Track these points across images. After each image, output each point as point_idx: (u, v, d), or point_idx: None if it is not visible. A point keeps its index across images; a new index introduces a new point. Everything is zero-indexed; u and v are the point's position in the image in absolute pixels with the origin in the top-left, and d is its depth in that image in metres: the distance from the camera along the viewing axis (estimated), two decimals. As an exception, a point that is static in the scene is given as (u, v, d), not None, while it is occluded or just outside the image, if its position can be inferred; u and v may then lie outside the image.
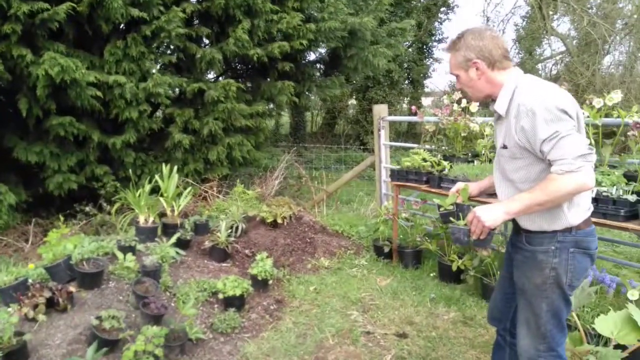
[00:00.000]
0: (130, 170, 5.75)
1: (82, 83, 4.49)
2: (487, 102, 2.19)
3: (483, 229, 1.91)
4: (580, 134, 1.84)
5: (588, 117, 3.35)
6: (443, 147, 4.52)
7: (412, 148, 5.14)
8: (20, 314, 2.65)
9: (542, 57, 17.17)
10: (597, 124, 3.30)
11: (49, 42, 4.60)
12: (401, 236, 4.83)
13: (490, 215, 1.89)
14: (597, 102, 3.16)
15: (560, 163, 1.75)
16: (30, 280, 2.93)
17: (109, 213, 5.38)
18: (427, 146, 4.63)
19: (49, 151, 5.14)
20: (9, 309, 2.68)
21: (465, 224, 2.04)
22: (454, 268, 3.99)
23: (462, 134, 4.30)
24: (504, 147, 1.96)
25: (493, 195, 2.37)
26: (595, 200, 2.91)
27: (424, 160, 4.30)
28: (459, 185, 2.36)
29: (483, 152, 4.07)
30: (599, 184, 3.12)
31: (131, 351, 2.49)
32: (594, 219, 2.10)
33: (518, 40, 17.25)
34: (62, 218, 4.36)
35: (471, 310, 3.69)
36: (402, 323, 3.49)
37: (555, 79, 15.96)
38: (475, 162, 4.08)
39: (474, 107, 4.32)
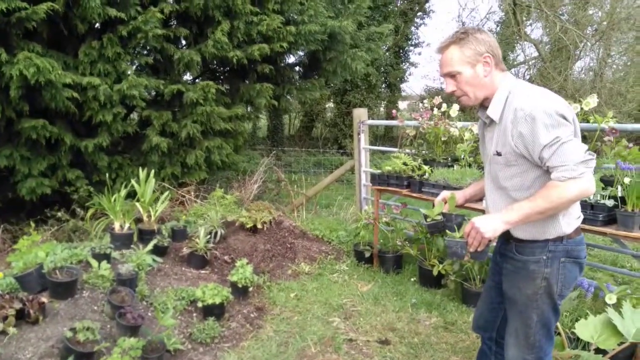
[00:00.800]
0: (105, 174, 5.59)
1: (57, 85, 4.33)
2: (467, 108, 2.18)
3: (482, 241, 1.85)
4: (579, 140, 1.81)
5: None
6: (423, 152, 4.53)
7: (391, 152, 5.15)
8: (-13, 328, 2.52)
9: (515, 62, 17.53)
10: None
11: (24, 42, 4.42)
12: (381, 241, 4.83)
13: (490, 226, 1.82)
14: (574, 107, 3.21)
15: (561, 170, 1.71)
16: (-1, 291, 2.79)
17: (82, 219, 5.21)
18: (407, 150, 4.64)
19: (19, 155, 4.94)
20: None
21: (462, 236, 1.96)
22: (435, 273, 4.00)
23: (442, 139, 4.32)
24: (498, 154, 1.90)
25: (478, 203, 2.37)
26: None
27: (405, 164, 4.31)
28: (445, 194, 2.30)
29: (463, 156, 4.10)
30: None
31: (107, 365, 2.40)
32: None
33: (492, 46, 17.54)
34: (32, 224, 4.19)
35: (452, 315, 3.71)
36: (384, 329, 3.47)
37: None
38: (455, 166, 4.10)
39: (454, 111, 4.35)
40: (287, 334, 3.40)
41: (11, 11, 4.12)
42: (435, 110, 4.33)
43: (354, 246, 4.90)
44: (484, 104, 1.98)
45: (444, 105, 4.33)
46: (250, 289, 3.81)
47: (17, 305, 2.66)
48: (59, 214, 5.15)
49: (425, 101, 4.53)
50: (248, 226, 4.66)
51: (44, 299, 2.80)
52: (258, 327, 3.49)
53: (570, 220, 1.89)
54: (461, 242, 1.95)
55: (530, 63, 16.22)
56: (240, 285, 3.72)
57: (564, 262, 1.89)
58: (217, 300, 3.36)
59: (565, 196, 1.72)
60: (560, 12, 14.09)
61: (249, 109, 6.70)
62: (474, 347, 3.25)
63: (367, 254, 4.60)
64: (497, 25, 17.55)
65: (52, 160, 5.23)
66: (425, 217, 2.31)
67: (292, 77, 7.31)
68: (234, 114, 6.06)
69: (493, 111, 1.91)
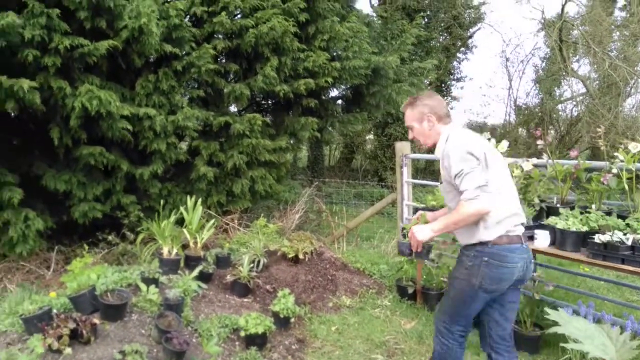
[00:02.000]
0: (155, 201, 5.79)
1: (115, 116, 4.59)
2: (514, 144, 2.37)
3: (418, 243, 2.56)
4: (485, 170, 2.38)
5: (622, 161, 3.29)
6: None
7: (433, 186, 5.09)
8: (44, 345, 2.61)
9: (562, 99, 17.17)
10: (630, 168, 3.25)
11: (85, 75, 4.73)
12: (425, 277, 4.73)
13: (422, 232, 2.55)
14: (634, 147, 3.11)
15: (465, 193, 2.33)
16: (54, 310, 2.90)
17: (131, 242, 5.39)
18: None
19: (77, 180, 5.20)
20: (40, 338, 2.64)
21: (407, 240, 2.68)
22: (482, 312, 3.85)
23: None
24: (441, 182, 2.64)
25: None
26: (632, 248, 2.89)
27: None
28: (419, 213, 2.87)
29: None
30: (634, 230, 3.04)
31: (154, 389, 2.42)
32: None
33: (537, 81, 17.32)
34: (86, 247, 4.37)
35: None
36: (428, 369, 3.35)
37: (576, 120, 15.91)
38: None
39: (502, 147, 4.28)
40: (328, 369, 3.35)
41: (74, 47, 4.43)
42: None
43: (396, 281, 4.82)
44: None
45: (493, 141, 4.28)
46: (292, 320, 3.79)
47: (71, 325, 2.76)
48: (110, 237, 5.36)
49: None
50: (290, 256, 4.68)
51: (96, 320, 2.88)
52: (299, 360, 3.46)
53: (494, 231, 2.43)
54: (407, 244, 2.70)
55: (578, 99, 15.84)
56: (282, 316, 3.71)
57: (487, 262, 2.43)
58: (260, 330, 3.36)
59: (466, 212, 2.34)
60: (609, 49, 13.79)
61: (291, 140, 6.83)
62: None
63: (410, 290, 4.51)
64: (543, 61, 17.35)
65: (107, 186, 5.48)
66: (403, 229, 2.85)
67: (334, 110, 7.43)
68: (278, 146, 6.19)
69: (437, 152, 2.61)
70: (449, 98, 18.13)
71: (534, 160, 4.03)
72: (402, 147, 5.91)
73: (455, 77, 17.99)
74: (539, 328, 3.73)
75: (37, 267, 5.24)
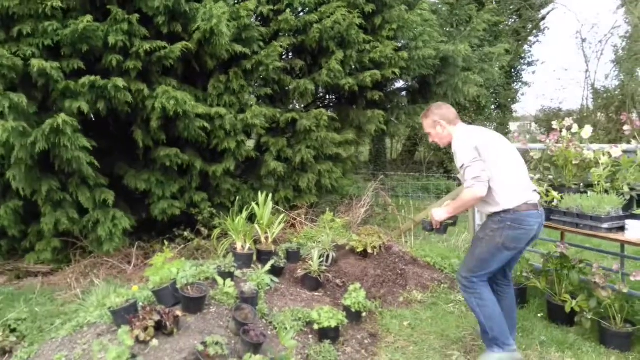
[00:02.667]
0: (226, 197, 5.98)
1: (191, 115, 4.78)
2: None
3: (436, 222, 3.20)
4: (481, 162, 2.92)
5: None
6: (550, 177, 4.19)
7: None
8: (132, 336, 2.76)
9: (646, 78, 15.75)
10: None
11: (162, 78, 4.97)
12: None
13: (438, 213, 3.19)
14: None
15: (465, 183, 2.95)
16: (140, 303, 3.06)
17: (205, 238, 5.61)
18: (531, 175, 4.32)
19: (155, 179, 5.48)
20: (128, 330, 2.80)
21: (429, 219, 3.29)
22: (568, 309, 3.62)
23: (574, 162, 3.96)
24: (457, 172, 3.19)
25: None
26: None
27: (530, 190, 4.00)
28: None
29: (598, 182, 3.72)
30: None
31: (236, 379, 2.49)
32: None
33: (618, 62, 16.01)
34: (166, 242, 4.59)
35: (589, 357, 3.31)
36: (510, 368, 3.19)
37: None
38: (589, 192, 3.73)
39: (586, 133, 3.99)
40: (403, 365, 3.28)
41: (153, 51, 4.65)
42: (565, 132, 4.01)
43: (470, 276, 4.63)
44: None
45: (575, 127, 3.99)
46: (363, 314, 3.76)
47: (156, 317, 2.89)
48: (185, 233, 5.60)
49: (554, 123, 4.21)
50: (358, 250, 4.64)
51: (179, 313, 3.01)
52: (373, 355, 3.42)
53: (512, 201, 2.94)
54: (429, 222, 3.30)
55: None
56: (353, 310, 3.69)
57: (510, 225, 2.94)
58: (333, 324, 3.36)
59: (465, 198, 2.97)
60: None
61: (358, 134, 6.79)
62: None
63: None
64: (623, 41, 16.00)
65: (182, 184, 5.73)
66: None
67: (400, 101, 7.29)
68: (345, 139, 6.17)
69: (453, 148, 3.12)
70: (520, 84, 17.24)
71: (624, 146, 3.71)
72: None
73: (526, 62, 17.05)
74: (631, 324, 3.44)
75: (120, 263, 5.59)
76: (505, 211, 2.94)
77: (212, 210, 5.76)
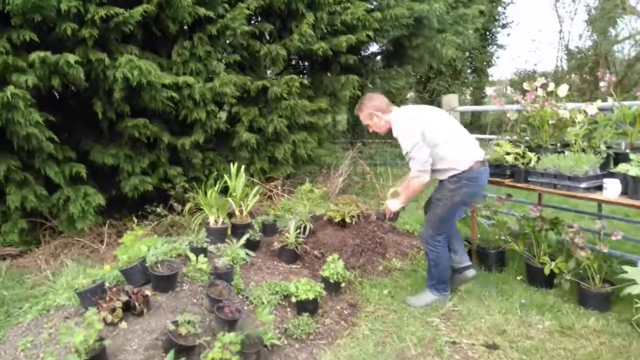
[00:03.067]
0: (199, 171, 5.78)
1: (157, 85, 4.51)
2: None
3: (390, 212, 3.57)
4: (424, 146, 3.21)
5: None
6: (527, 138, 4.12)
7: (482, 139, 4.77)
8: (99, 319, 2.63)
9: (619, 39, 15.79)
10: None
11: (122, 46, 4.66)
12: (479, 236, 4.50)
13: (393, 205, 3.54)
14: None
15: (411, 172, 3.26)
16: (107, 284, 2.91)
17: (179, 213, 5.43)
18: (508, 137, 4.25)
19: (124, 154, 5.23)
20: (94, 312, 2.66)
21: (382, 210, 3.67)
22: (547, 271, 3.61)
23: (550, 122, 3.89)
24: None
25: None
26: None
27: (507, 152, 3.94)
28: (391, 190, 3.96)
29: (575, 141, 3.65)
30: None
31: (208, 358, 2.39)
32: None
33: (590, 22, 15.97)
34: (135, 220, 4.40)
35: (568, 319, 3.32)
36: (490, 332, 3.19)
37: (635, 61, 14.68)
38: (567, 152, 3.67)
39: (562, 91, 3.91)
40: (383, 333, 3.23)
41: (109, 17, 4.34)
42: (540, 91, 3.91)
43: (449, 241, 4.60)
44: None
45: (551, 85, 3.90)
46: (342, 284, 3.69)
47: (124, 297, 2.76)
48: (158, 209, 5.41)
49: (525, 84, 4.11)
50: (336, 220, 4.55)
51: (148, 292, 2.88)
52: (352, 325, 3.36)
53: (460, 165, 3.25)
54: (382, 212, 3.69)
55: (637, 38, 14.53)
56: (332, 281, 3.62)
57: (466, 183, 3.26)
58: (311, 296, 3.28)
59: (415, 187, 3.30)
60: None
61: (331, 101, 6.60)
62: (598, 355, 2.87)
63: (465, 250, 4.29)
64: (596, 0, 15.92)
65: (151, 158, 5.49)
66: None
67: (374, 66, 7.10)
68: (318, 107, 5.99)
69: (393, 132, 3.40)
70: (495, 47, 17.12)
71: (599, 103, 3.64)
72: (449, 100, 5.61)
73: (501, 24, 16.89)
74: (609, 284, 3.45)
75: (92, 242, 5.39)
76: (460, 172, 3.24)
77: (185, 184, 5.56)
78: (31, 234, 5.39)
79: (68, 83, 4.38)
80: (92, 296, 2.89)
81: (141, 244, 3.65)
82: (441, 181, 3.39)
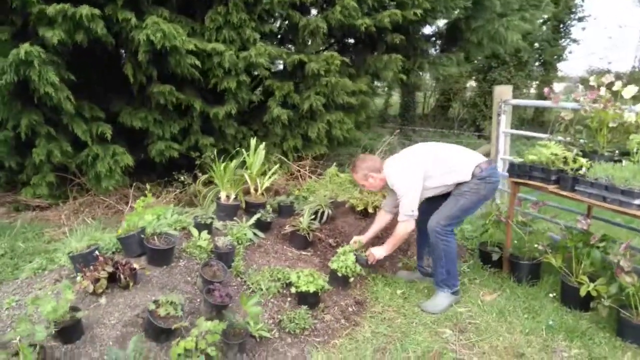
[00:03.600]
0: (231, 143, 5.64)
1: (181, 50, 4.36)
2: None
3: (375, 260, 3.54)
4: (417, 193, 3.31)
5: None
6: (581, 141, 3.62)
7: (539, 138, 4.27)
8: (80, 288, 2.51)
9: None
10: None
11: (153, 7, 4.52)
12: (515, 242, 4.06)
13: (378, 253, 3.51)
14: None
15: (400, 217, 3.36)
16: (96, 252, 2.80)
17: (205, 184, 5.32)
18: (560, 138, 3.75)
19: (153, 118, 5.17)
20: (77, 279, 2.56)
21: (365, 256, 3.54)
22: (583, 293, 3.16)
23: (610, 125, 3.37)
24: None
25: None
26: None
27: (555, 155, 3.46)
28: (355, 238, 3.72)
29: (637, 150, 3.14)
30: None
31: (180, 347, 2.21)
32: None
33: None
34: (161, 185, 4.29)
35: (600, 350, 2.88)
36: (507, 354, 2.82)
37: None
38: (624, 162, 3.17)
39: (629, 92, 3.37)
40: (386, 339, 2.95)
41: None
42: (603, 91, 3.39)
43: (479, 245, 4.20)
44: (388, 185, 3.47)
45: (618, 84, 3.37)
46: (351, 279, 3.42)
47: (109, 269, 2.63)
48: (182, 177, 5.32)
49: (591, 78, 3.58)
50: (358, 209, 4.25)
51: (136, 265, 2.74)
52: (354, 324, 3.10)
53: (475, 168, 3.27)
54: (364, 258, 3.52)
55: None
56: (340, 274, 3.35)
57: (489, 178, 3.27)
58: (312, 289, 3.04)
59: (401, 234, 3.41)
60: None
61: (375, 83, 6.22)
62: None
63: (496, 257, 3.88)
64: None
65: (183, 125, 5.40)
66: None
67: (426, 49, 6.61)
68: (358, 88, 5.64)
69: (390, 184, 3.40)
70: (568, 40, 15.82)
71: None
72: (502, 92, 5.07)
73: (577, 16, 15.56)
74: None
75: (116, 203, 5.41)
76: (479, 171, 3.25)
77: (212, 155, 5.43)
78: (60, 188, 5.48)
79: (93, 39, 4.27)
80: (83, 262, 2.79)
81: (149, 212, 3.53)
82: (461, 183, 3.32)
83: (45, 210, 5.39)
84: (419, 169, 3.28)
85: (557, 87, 4.04)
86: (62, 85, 4.18)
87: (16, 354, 2.08)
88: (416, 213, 3.29)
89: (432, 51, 6.87)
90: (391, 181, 3.35)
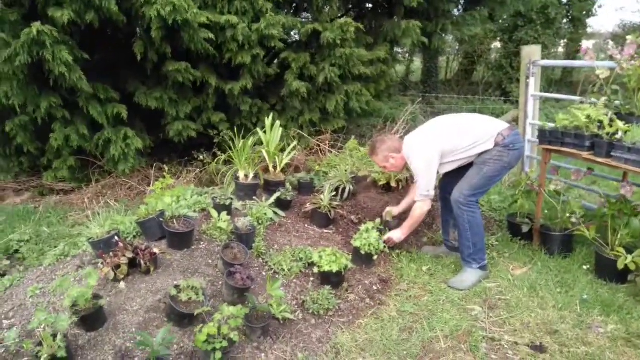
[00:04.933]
0: (247, 119, 5.54)
1: (194, 24, 4.22)
2: None
3: (392, 243, 3.49)
4: (434, 174, 3.22)
5: None
6: (617, 102, 3.37)
7: (569, 101, 4.03)
8: (101, 274, 2.50)
9: None
10: None
11: (162, -20, 4.37)
12: (546, 212, 3.90)
13: (397, 236, 3.46)
14: None
15: (416, 196, 3.29)
16: (116, 238, 2.78)
17: (218, 163, 5.26)
18: (594, 100, 3.51)
19: (168, 97, 5.10)
20: (93, 270, 2.54)
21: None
22: (620, 265, 3.00)
23: (650, 85, 3.12)
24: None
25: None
26: None
27: (589, 118, 3.24)
28: (388, 209, 3.73)
29: (681, 110, 2.90)
30: None
31: (204, 334, 2.17)
32: None
33: None
34: (182, 164, 4.25)
35: (639, 324, 2.75)
36: (539, 331, 2.71)
37: None
38: (666, 124, 2.94)
39: (673, 47, 3.09)
40: (412, 317, 2.87)
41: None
42: (644, 45, 3.13)
43: (507, 216, 4.04)
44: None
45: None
46: (375, 257, 3.33)
47: (130, 255, 2.60)
48: (202, 156, 5.27)
49: (629, 37, 3.30)
50: (381, 184, 4.13)
51: (156, 250, 2.71)
52: (380, 303, 3.03)
53: (497, 134, 3.13)
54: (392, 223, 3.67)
55: None
56: (363, 252, 3.27)
57: (512, 145, 3.12)
58: (335, 268, 2.97)
59: (418, 215, 3.34)
60: None
61: (392, 49, 5.97)
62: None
63: (526, 229, 3.72)
64: None
65: (197, 103, 5.31)
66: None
67: (448, 10, 6.28)
68: (376, 57, 5.43)
69: (409, 163, 3.33)
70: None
71: None
72: (530, 52, 4.78)
73: (609, -35, 14.62)
74: None
75: (138, 184, 5.41)
76: (502, 139, 3.11)
77: (230, 132, 5.35)
78: (82, 172, 5.51)
79: (105, 19, 4.17)
80: (104, 247, 2.78)
81: (169, 194, 3.49)
82: (484, 152, 3.18)
83: (68, 194, 5.45)
84: (437, 147, 3.15)
85: (586, 44, 3.78)
86: (75, 66, 4.12)
87: (40, 343, 2.08)
88: (432, 193, 3.21)
89: (455, 11, 6.54)
90: (409, 160, 3.26)
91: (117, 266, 2.56)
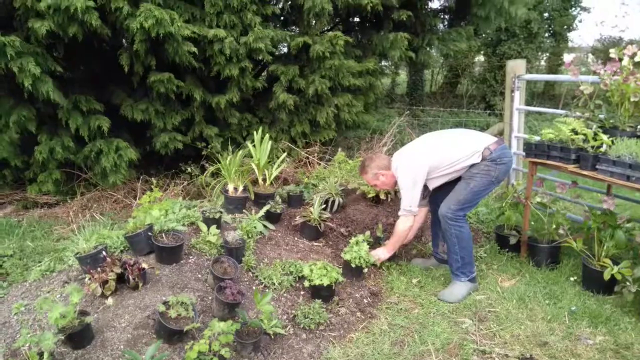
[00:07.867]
0: (236, 132, 5.52)
1: (177, 37, 4.21)
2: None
3: (379, 261, 3.50)
4: (419, 189, 3.22)
5: None
6: (601, 116, 3.45)
7: (551, 115, 4.10)
8: (88, 291, 2.45)
9: None
10: None
11: (149, -7, 4.37)
12: (532, 223, 3.94)
13: (383, 255, 3.49)
14: None
15: (400, 211, 3.33)
16: (104, 252, 2.73)
17: (212, 175, 5.23)
18: (578, 113, 3.59)
19: (154, 109, 5.07)
20: (85, 281, 2.49)
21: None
22: (607, 276, 3.04)
23: (633, 99, 3.20)
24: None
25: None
26: None
27: (574, 132, 3.31)
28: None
29: (663, 124, 2.98)
30: None
31: (194, 352, 2.14)
32: None
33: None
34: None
35: (626, 336, 2.78)
36: (529, 343, 2.73)
37: None
38: (649, 138, 3.01)
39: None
40: (403, 331, 2.87)
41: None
42: (626, 60, 3.21)
43: (495, 228, 4.08)
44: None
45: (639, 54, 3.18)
46: (365, 270, 3.33)
47: (117, 270, 2.56)
48: (189, 169, 5.24)
49: (612, 50, 3.39)
50: (370, 196, 4.14)
51: (144, 265, 2.66)
52: (370, 317, 3.02)
53: (484, 149, 3.14)
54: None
55: None
56: (353, 265, 3.26)
57: (499, 160, 3.13)
58: (325, 282, 2.95)
59: (401, 230, 3.37)
60: None
61: (382, 62, 6.03)
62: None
63: (513, 241, 3.76)
64: None
65: (185, 116, 5.28)
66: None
67: (434, 25, 6.39)
68: (365, 69, 5.47)
69: (397, 179, 3.35)
70: (578, 9, 15.31)
71: None
72: (515, 67, 4.87)
73: (588, -18, 15.02)
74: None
75: (124, 197, 5.34)
76: (489, 153, 3.12)
77: (218, 145, 5.33)
78: (67, 184, 5.43)
79: (89, 31, 4.14)
80: (91, 262, 2.72)
81: (157, 207, 3.45)
82: (472, 165, 3.19)
83: (53, 207, 5.35)
84: (425, 162, 3.17)
85: (567, 57, 3.87)
86: (46, 77, 4.06)
87: (25, 362, 2.03)
88: (415, 209, 3.24)
89: (441, 26, 6.65)
90: (397, 175, 3.29)
91: (105, 282, 2.51)
